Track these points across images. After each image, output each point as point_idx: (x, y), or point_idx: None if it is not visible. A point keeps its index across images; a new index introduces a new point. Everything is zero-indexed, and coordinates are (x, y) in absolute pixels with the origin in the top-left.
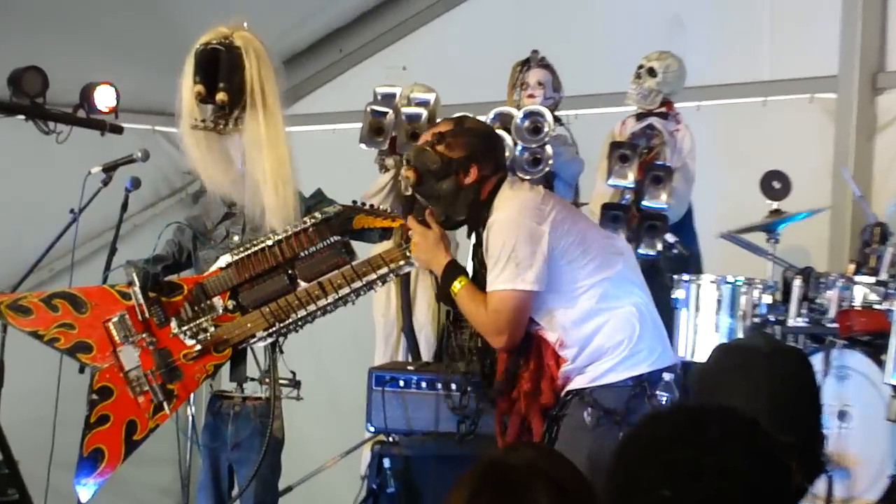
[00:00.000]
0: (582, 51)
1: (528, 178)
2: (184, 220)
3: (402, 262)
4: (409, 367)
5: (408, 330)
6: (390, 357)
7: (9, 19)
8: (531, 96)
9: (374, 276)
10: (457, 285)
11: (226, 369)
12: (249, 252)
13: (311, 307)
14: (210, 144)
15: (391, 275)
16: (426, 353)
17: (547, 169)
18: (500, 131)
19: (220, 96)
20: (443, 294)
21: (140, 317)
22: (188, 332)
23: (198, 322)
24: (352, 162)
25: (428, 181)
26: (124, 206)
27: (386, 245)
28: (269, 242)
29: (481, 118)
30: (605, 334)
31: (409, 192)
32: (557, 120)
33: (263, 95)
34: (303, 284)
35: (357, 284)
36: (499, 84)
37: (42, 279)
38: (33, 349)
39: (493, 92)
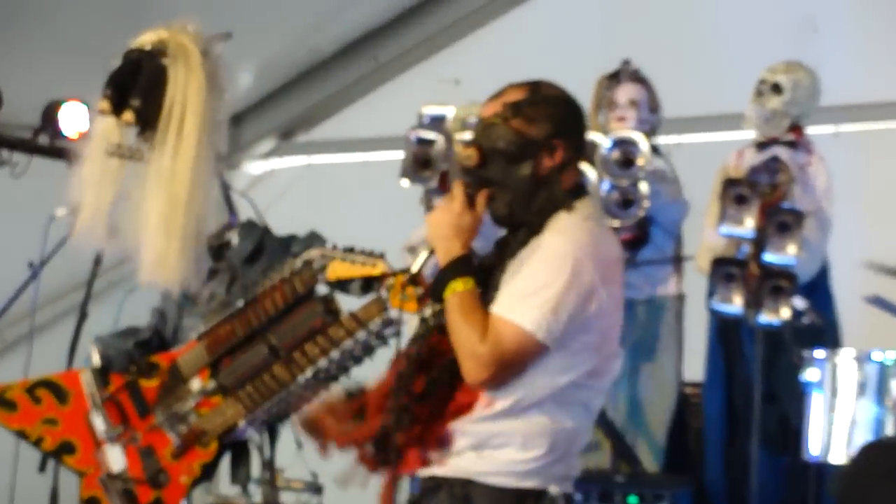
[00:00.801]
0: (685, 61)
1: (616, 223)
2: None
3: (379, 321)
4: None
5: None
6: None
7: None
8: (621, 119)
9: (350, 343)
10: (460, 285)
11: (227, 469)
12: (220, 318)
13: (292, 386)
14: (121, 178)
15: (377, 341)
16: None
17: (641, 213)
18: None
19: (127, 115)
20: (436, 290)
21: (97, 405)
22: (168, 424)
23: (175, 410)
24: (389, 202)
25: (495, 164)
26: (98, 260)
27: None
28: (240, 304)
29: None
30: (537, 432)
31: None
32: (655, 150)
33: (182, 118)
34: (284, 355)
35: (335, 354)
36: (579, 103)
37: None
38: None
39: None
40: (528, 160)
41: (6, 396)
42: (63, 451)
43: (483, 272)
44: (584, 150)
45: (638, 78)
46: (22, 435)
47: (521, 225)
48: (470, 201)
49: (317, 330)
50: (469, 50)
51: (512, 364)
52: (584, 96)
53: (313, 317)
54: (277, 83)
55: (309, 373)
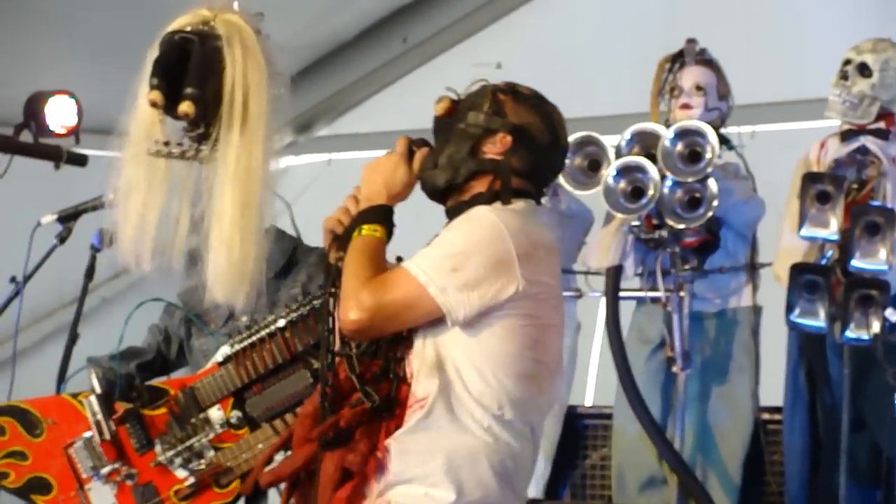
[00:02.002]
0: (758, 40)
1: (682, 225)
2: (174, 297)
3: None
4: None
5: None
6: None
7: None
8: (686, 106)
9: None
10: (368, 230)
11: None
12: (254, 339)
13: None
14: (166, 180)
15: None
16: (534, 486)
17: (710, 213)
18: (639, 159)
19: (185, 107)
20: (345, 234)
21: (105, 438)
22: (178, 460)
23: (189, 444)
24: (420, 202)
25: (456, 122)
26: (89, 273)
27: None
28: (281, 324)
29: (611, 138)
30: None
31: None
32: (725, 141)
33: (245, 107)
34: None
35: None
36: (637, 89)
37: None
38: None
39: (627, 100)
40: (476, 133)
41: None
42: (33, 489)
43: None
44: (539, 180)
45: (705, 60)
46: None
47: (438, 195)
48: (409, 157)
49: None
50: (510, 30)
51: (393, 314)
52: (643, 81)
53: None
54: (293, 70)
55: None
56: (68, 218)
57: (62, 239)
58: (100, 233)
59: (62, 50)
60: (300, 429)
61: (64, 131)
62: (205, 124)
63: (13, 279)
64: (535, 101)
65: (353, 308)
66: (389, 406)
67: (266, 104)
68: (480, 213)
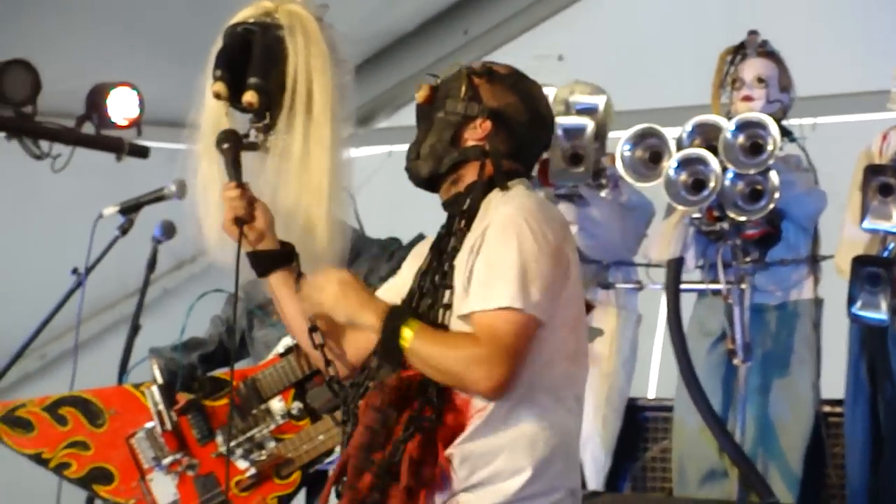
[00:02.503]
0: (820, 31)
1: (743, 218)
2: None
3: None
4: None
5: None
6: None
7: None
8: (748, 98)
9: None
10: (407, 332)
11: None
12: None
13: None
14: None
15: None
16: (593, 478)
17: (771, 205)
18: (700, 151)
19: (248, 97)
20: (387, 349)
21: (166, 429)
22: (239, 450)
23: (250, 435)
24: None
25: (435, 110)
26: (151, 265)
27: None
28: None
29: (672, 130)
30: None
31: None
32: (787, 133)
33: (309, 95)
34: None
35: None
36: (698, 81)
37: (28, 370)
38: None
39: (688, 92)
40: (456, 119)
41: (17, 415)
42: (95, 479)
43: (426, 275)
44: (528, 160)
45: (768, 51)
46: (39, 460)
47: (424, 182)
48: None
49: None
50: (572, 22)
51: (517, 351)
52: (705, 73)
53: None
54: (353, 62)
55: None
56: (130, 209)
57: (124, 230)
58: (161, 224)
59: (124, 43)
60: (353, 460)
61: (126, 123)
62: (270, 114)
63: (75, 271)
64: (512, 80)
65: (484, 373)
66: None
67: (330, 91)
68: (509, 217)
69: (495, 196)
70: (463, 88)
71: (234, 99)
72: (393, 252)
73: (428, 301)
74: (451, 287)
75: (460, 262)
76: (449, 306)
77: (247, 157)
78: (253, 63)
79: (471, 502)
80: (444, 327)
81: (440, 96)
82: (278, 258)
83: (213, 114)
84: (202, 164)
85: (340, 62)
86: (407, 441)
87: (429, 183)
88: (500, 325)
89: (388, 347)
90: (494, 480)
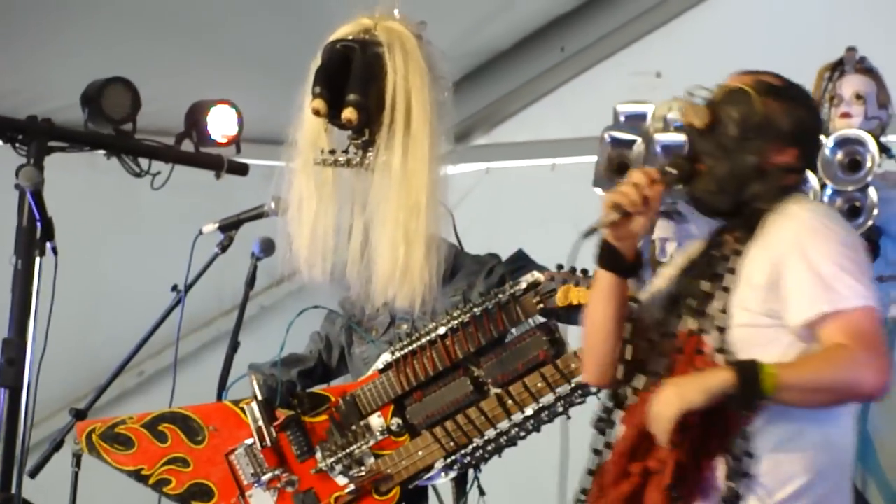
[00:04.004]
0: None
1: None
2: (333, 304)
3: None
4: None
5: None
6: None
7: (83, 12)
8: (846, 115)
9: (581, 378)
10: (769, 378)
11: None
12: (415, 347)
13: (504, 424)
14: (335, 189)
15: None
16: None
17: (870, 222)
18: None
19: (347, 113)
20: (747, 397)
21: (266, 445)
22: (338, 467)
23: (349, 451)
24: (579, 212)
25: (724, 133)
26: (251, 282)
27: None
28: (441, 331)
29: None
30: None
31: (667, 258)
32: (885, 150)
33: (408, 111)
34: (494, 391)
35: (564, 390)
36: None
37: (126, 387)
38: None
39: None
40: (758, 143)
41: (118, 431)
42: (194, 495)
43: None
44: (814, 163)
45: (866, 68)
46: (138, 476)
47: (721, 213)
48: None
49: (541, 362)
50: (670, 39)
51: (884, 345)
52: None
53: (536, 348)
54: (451, 79)
55: (530, 410)
56: (229, 227)
57: (224, 248)
58: (260, 241)
59: (222, 61)
60: (614, 467)
61: (225, 140)
62: (369, 131)
63: (175, 287)
64: (794, 91)
65: (872, 373)
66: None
67: (429, 108)
68: (814, 224)
69: (784, 207)
70: (755, 110)
71: (333, 115)
72: (492, 268)
73: (697, 281)
74: (732, 272)
75: (753, 263)
76: (728, 289)
77: (347, 173)
78: (352, 80)
79: None
80: (722, 311)
81: (724, 119)
82: (632, 268)
83: (310, 131)
84: (298, 180)
85: (438, 79)
86: (675, 448)
87: (727, 212)
88: (864, 323)
89: (749, 395)
90: (763, 489)
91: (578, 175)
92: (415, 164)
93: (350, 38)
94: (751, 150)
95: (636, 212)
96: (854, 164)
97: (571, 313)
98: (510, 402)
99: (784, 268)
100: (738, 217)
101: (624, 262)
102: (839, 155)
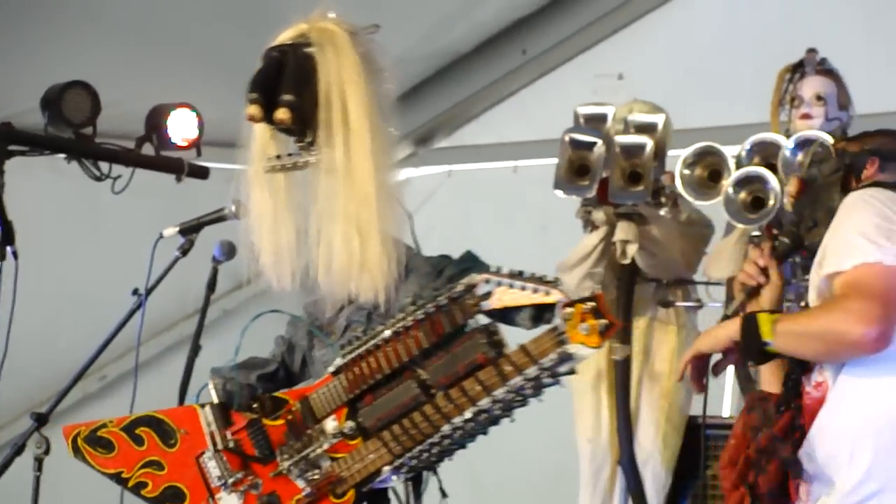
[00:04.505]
0: (879, 49)
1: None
2: (297, 308)
3: (556, 357)
4: None
5: (627, 464)
6: (601, 502)
7: (43, 16)
8: (806, 116)
9: (519, 380)
10: (768, 322)
11: None
12: (362, 350)
13: (446, 428)
14: (291, 195)
15: (549, 379)
16: (654, 497)
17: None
18: (760, 169)
19: (280, 114)
20: (749, 343)
21: (219, 448)
22: (296, 470)
23: (305, 454)
24: (541, 214)
25: (811, 192)
26: (211, 285)
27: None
28: (387, 334)
29: (731, 148)
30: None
31: (628, 261)
32: None
33: (344, 106)
34: (438, 394)
35: (500, 392)
36: (756, 99)
37: (89, 391)
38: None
39: (747, 110)
40: (836, 174)
41: (100, 434)
42: (169, 498)
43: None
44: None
45: (826, 69)
46: (119, 479)
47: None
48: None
49: (479, 365)
50: (632, 41)
51: (890, 299)
52: (764, 91)
53: (475, 350)
54: (412, 82)
55: (468, 414)
56: (190, 230)
57: (184, 251)
58: (221, 245)
59: (183, 65)
60: (725, 482)
61: (185, 144)
62: (311, 131)
63: (136, 291)
64: (868, 135)
65: (859, 325)
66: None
67: (367, 101)
68: (848, 200)
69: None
70: (835, 164)
71: (269, 119)
72: (442, 270)
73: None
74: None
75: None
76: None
77: (299, 176)
78: (284, 82)
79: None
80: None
81: (817, 187)
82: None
83: (258, 139)
84: (253, 190)
85: (378, 71)
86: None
87: None
88: (864, 278)
89: (751, 340)
90: (828, 471)
91: (541, 177)
92: (358, 157)
93: (288, 42)
94: (831, 189)
95: (760, 284)
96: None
97: (508, 315)
98: (451, 405)
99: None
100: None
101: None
102: (800, 156)
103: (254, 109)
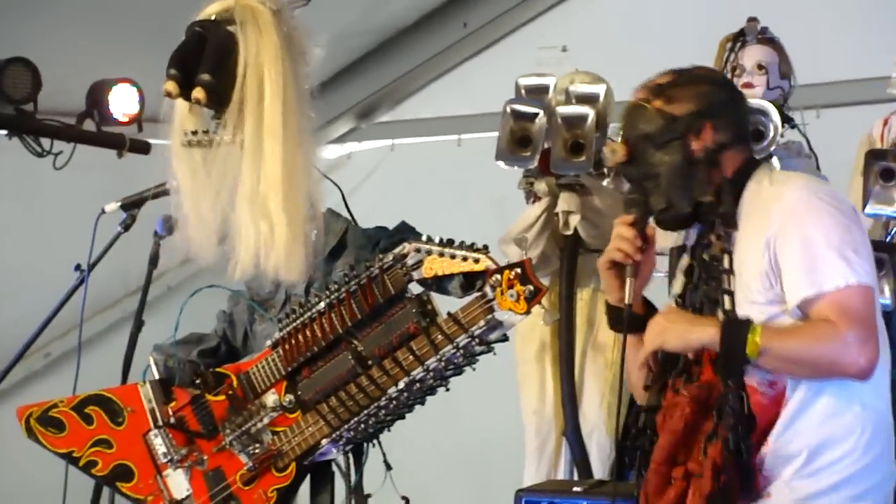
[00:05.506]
0: (820, 18)
1: None
2: (238, 283)
3: (484, 324)
4: (576, 489)
5: (572, 434)
6: (547, 474)
7: None
8: (748, 85)
9: (450, 349)
10: (755, 339)
11: (306, 496)
12: (298, 323)
13: (383, 400)
14: (210, 169)
15: (481, 347)
16: (599, 467)
17: None
18: None
19: (196, 93)
20: (731, 358)
21: (159, 425)
22: (237, 444)
23: (246, 428)
24: (485, 186)
25: (643, 154)
26: (154, 260)
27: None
28: (321, 307)
29: None
30: (847, 423)
31: (571, 231)
32: (788, 120)
33: (260, 87)
34: (372, 365)
35: (432, 362)
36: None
37: (33, 369)
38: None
39: None
40: (674, 142)
41: (51, 415)
42: (118, 476)
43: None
44: (746, 136)
45: (767, 38)
46: (70, 458)
47: (687, 221)
48: (643, 236)
49: (411, 335)
50: (573, 13)
51: (875, 324)
52: (706, 61)
53: (406, 320)
54: (353, 56)
55: (402, 384)
56: (132, 205)
57: (126, 226)
58: (163, 220)
59: (124, 39)
60: (656, 476)
61: (126, 119)
62: (227, 109)
63: (78, 267)
64: (688, 77)
65: (857, 353)
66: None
67: (283, 82)
68: (800, 203)
69: (755, 186)
70: (654, 116)
71: (186, 96)
72: (377, 241)
73: (708, 290)
74: (731, 273)
75: (747, 253)
76: (731, 291)
77: (219, 151)
78: (204, 60)
79: (787, 498)
80: (731, 310)
81: (635, 142)
82: (641, 323)
83: (178, 112)
84: (173, 163)
85: (300, 54)
86: (709, 448)
87: (692, 217)
88: (852, 302)
89: (734, 355)
90: (809, 472)
91: (486, 150)
92: (268, 140)
93: (213, 17)
94: (670, 153)
95: (635, 257)
96: (757, 135)
97: (440, 283)
98: (385, 376)
99: (779, 249)
100: (709, 216)
101: (640, 319)
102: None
103: (171, 86)
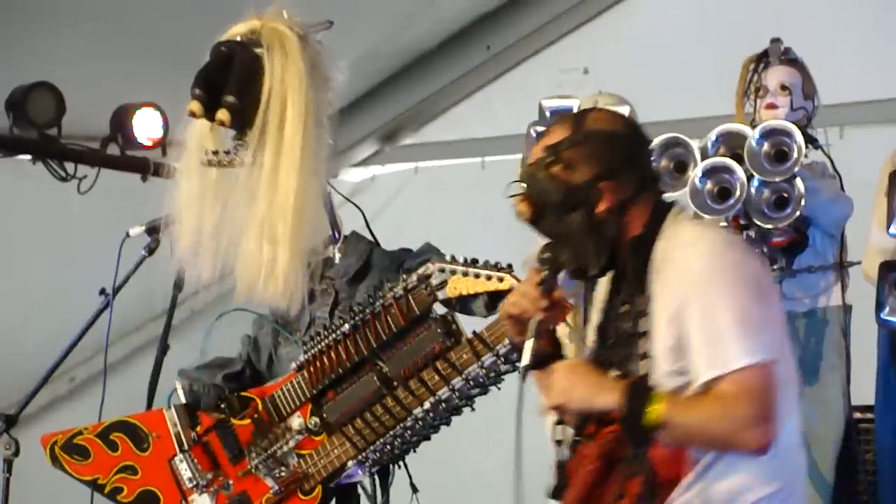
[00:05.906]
0: (844, 39)
1: (769, 225)
2: (262, 307)
3: (509, 343)
4: None
5: None
6: None
7: (7, 18)
8: (772, 106)
9: (475, 368)
10: (657, 407)
11: None
12: (323, 346)
13: (409, 420)
14: (219, 190)
15: (506, 366)
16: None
17: (798, 213)
18: (726, 159)
19: (220, 115)
20: (632, 428)
21: (185, 450)
22: (263, 468)
23: (271, 452)
24: (509, 208)
25: (547, 217)
26: (178, 284)
27: None
28: (346, 328)
29: (698, 140)
30: (758, 472)
31: None
32: (812, 141)
33: (283, 113)
34: (398, 386)
35: (458, 382)
36: (722, 91)
37: (58, 393)
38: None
39: (713, 102)
40: (578, 209)
41: (76, 442)
42: (144, 502)
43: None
44: (651, 181)
45: (791, 59)
46: (95, 486)
47: (601, 274)
48: (549, 296)
49: (436, 355)
50: (596, 35)
51: (776, 401)
52: (729, 83)
53: (431, 340)
54: (377, 79)
55: (428, 404)
56: (156, 229)
57: (150, 250)
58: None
59: (147, 64)
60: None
61: (150, 143)
62: (248, 132)
63: (103, 291)
64: (581, 136)
65: (754, 433)
66: None
67: (305, 110)
68: (703, 274)
69: (664, 245)
70: (549, 185)
71: (210, 117)
72: (401, 262)
73: (620, 352)
74: (643, 335)
75: (656, 327)
76: (646, 356)
77: (234, 173)
78: (229, 81)
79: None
80: (644, 377)
81: (539, 204)
82: (548, 360)
83: (196, 131)
84: (183, 181)
85: (323, 80)
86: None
87: (605, 272)
88: (754, 381)
89: (634, 426)
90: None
91: (509, 172)
92: (285, 167)
93: (238, 38)
94: (575, 217)
95: (537, 311)
96: (781, 155)
97: (464, 303)
98: (411, 397)
99: (682, 325)
100: (618, 282)
101: (550, 356)
102: (766, 146)
103: (195, 106)
